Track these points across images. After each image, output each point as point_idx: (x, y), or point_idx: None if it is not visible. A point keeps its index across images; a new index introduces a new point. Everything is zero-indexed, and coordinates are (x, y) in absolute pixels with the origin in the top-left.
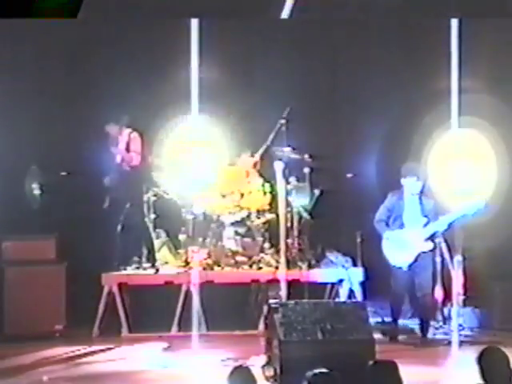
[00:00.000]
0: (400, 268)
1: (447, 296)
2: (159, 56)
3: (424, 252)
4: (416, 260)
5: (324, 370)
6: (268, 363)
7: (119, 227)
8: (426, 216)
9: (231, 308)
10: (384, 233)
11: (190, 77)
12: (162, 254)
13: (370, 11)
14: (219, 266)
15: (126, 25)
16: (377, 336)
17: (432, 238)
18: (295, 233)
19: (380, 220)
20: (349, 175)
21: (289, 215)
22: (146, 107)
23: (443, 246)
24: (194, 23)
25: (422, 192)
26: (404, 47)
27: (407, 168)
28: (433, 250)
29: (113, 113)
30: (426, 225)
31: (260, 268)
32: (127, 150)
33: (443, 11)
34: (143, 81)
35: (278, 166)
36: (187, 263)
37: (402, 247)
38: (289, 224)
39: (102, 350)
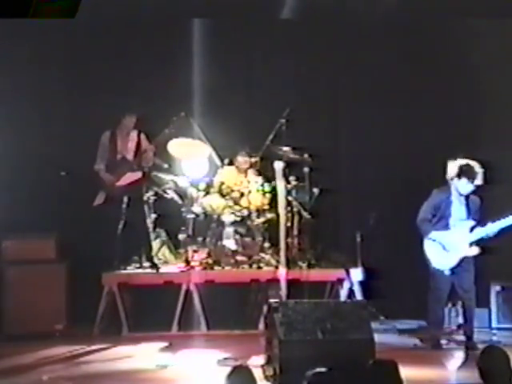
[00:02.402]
0: (442, 271)
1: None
2: (160, 57)
3: (468, 257)
4: (459, 264)
5: (324, 370)
6: (268, 363)
7: (120, 226)
8: (472, 218)
9: (231, 308)
10: (429, 233)
11: (191, 77)
12: (162, 253)
13: (371, 11)
14: (219, 265)
15: (127, 26)
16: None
17: (478, 242)
18: (295, 232)
19: (425, 219)
20: (349, 175)
21: (289, 215)
22: (146, 108)
23: None
24: (196, 24)
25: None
26: (404, 47)
27: (461, 168)
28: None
29: (113, 113)
30: (472, 228)
31: (260, 267)
32: (137, 149)
33: (443, 12)
34: (144, 82)
35: (278, 166)
36: (187, 263)
37: (446, 250)
38: (289, 223)
39: (102, 350)
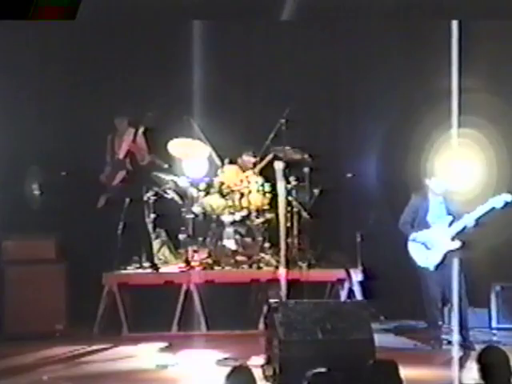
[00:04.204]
0: (428, 269)
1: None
2: (161, 57)
3: (452, 251)
4: (443, 260)
5: (324, 370)
6: (268, 363)
7: (120, 226)
8: (451, 214)
9: (231, 308)
10: (410, 235)
11: (191, 77)
12: (162, 253)
13: (371, 12)
14: (219, 265)
15: (127, 27)
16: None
17: (459, 236)
18: (295, 232)
19: (405, 222)
20: (349, 175)
21: (289, 215)
22: (146, 108)
23: None
24: (196, 25)
25: (446, 190)
26: (404, 47)
27: (432, 169)
28: (460, 249)
29: (113, 113)
30: (451, 223)
31: (260, 268)
32: (133, 148)
33: (443, 12)
34: (144, 82)
35: (278, 166)
36: (187, 263)
37: (428, 247)
38: (289, 224)
39: (102, 350)
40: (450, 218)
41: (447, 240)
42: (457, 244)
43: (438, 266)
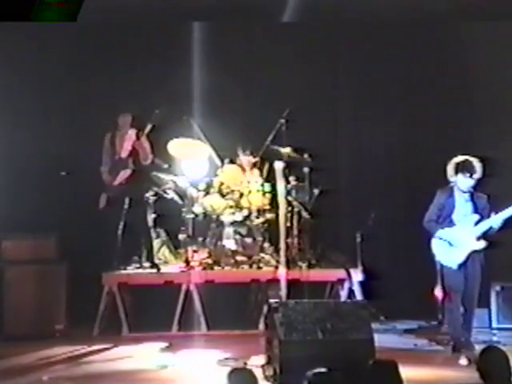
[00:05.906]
0: (450, 267)
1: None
2: (161, 57)
3: (476, 251)
4: (467, 260)
5: (324, 370)
6: (268, 363)
7: (121, 226)
8: (478, 213)
9: (231, 308)
10: (436, 232)
11: (191, 77)
12: (162, 253)
13: (370, 13)
14: (219, 265)
15: (128, 27)
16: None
17: (485, 236)
18: (295, 232)
19: (430, 220)
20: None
21: (289, 215)
22: (146, 108)
23: None
24: (196, 25)
25: (474, 188)
26: (405, 47)
27: (459, 164)
28: (485, 249)
29: (114, 114)
30: (477, 222)
31: (260, 268)
32: (134, 148)
33: (443, 14)
34: (144, 82)
35: (278, 166)
36: (187, 263)
37: (453, 246)
38: (289, 224)
39: (102, 350)
40: (477, 216)
41: (472, 239)
42: (482, 244)
43: (460, 266)
